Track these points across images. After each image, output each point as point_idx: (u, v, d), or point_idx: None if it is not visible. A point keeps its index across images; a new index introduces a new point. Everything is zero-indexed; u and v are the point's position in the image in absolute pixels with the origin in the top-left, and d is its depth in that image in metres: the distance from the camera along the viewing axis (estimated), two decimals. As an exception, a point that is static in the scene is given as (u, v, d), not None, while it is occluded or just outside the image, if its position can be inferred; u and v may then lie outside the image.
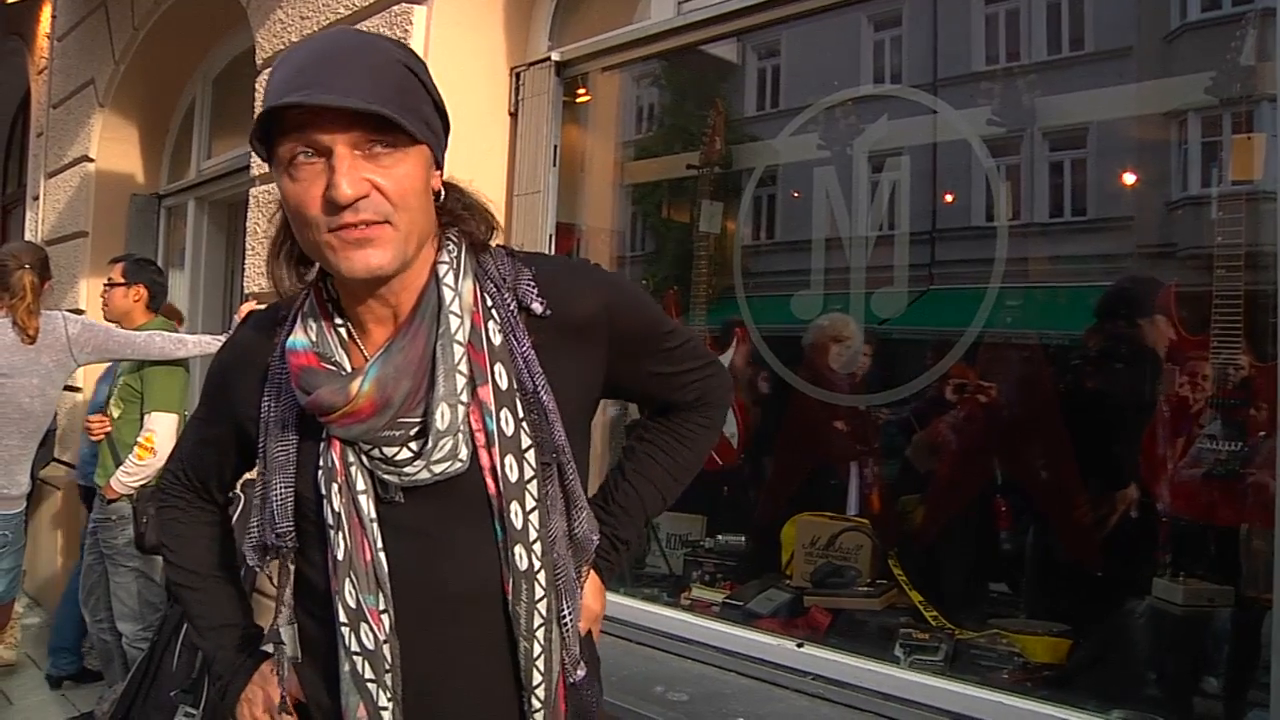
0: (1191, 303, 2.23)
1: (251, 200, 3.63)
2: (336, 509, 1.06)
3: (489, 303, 1.10)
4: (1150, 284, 2.47)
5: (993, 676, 2.17)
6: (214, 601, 1.32)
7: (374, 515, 1.06)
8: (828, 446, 3.02)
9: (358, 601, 1.06)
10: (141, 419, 3.57)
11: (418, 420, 1.05)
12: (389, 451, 1.05)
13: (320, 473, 1.07)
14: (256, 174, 3.61)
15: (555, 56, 2.92)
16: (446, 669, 1.09)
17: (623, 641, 2.54)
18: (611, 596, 2.68)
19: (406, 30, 2.83)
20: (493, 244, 1.15)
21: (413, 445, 1.05)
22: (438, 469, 1.05)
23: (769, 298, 3.18)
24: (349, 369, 1.07)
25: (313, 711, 1.17)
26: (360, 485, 1.06)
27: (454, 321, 1.06)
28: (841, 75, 3.03)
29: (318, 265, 1.10)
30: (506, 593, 1.08)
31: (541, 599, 1.09)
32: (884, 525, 2.80)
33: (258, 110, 1.00)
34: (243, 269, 3.72)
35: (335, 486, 1.06)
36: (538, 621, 1.09)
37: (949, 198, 2.96)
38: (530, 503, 1.08)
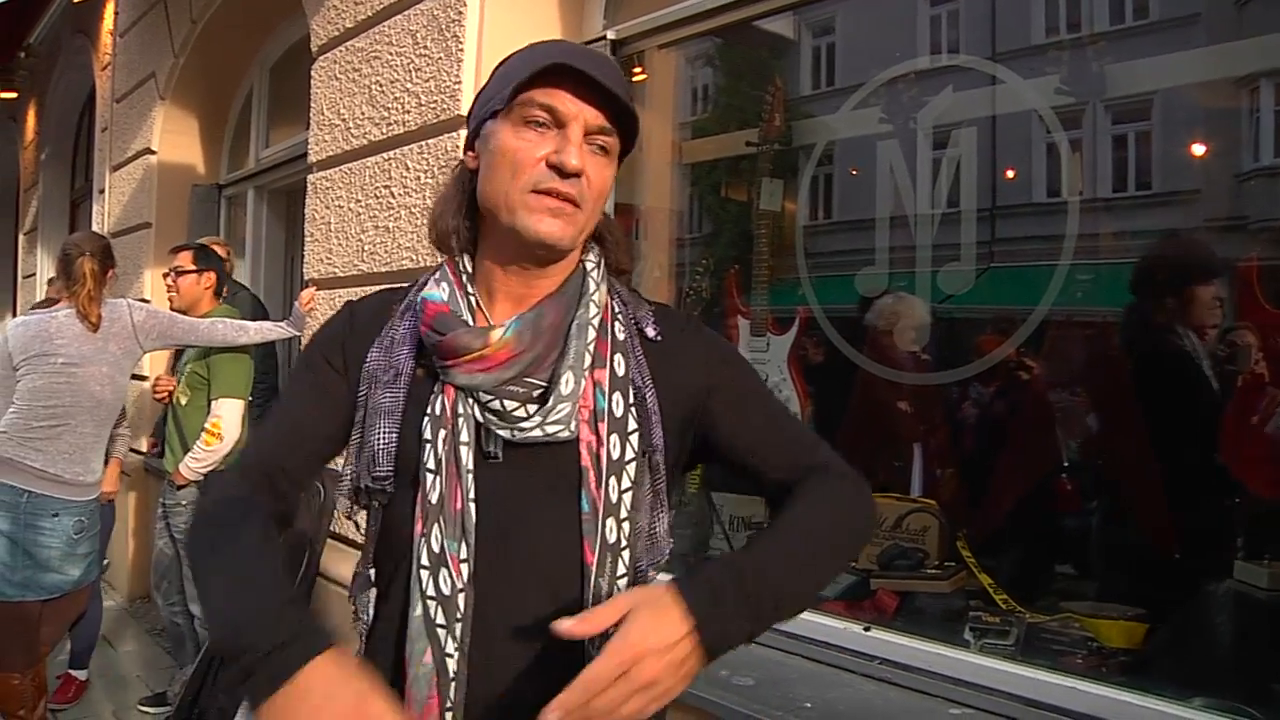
0: (1270, 277, 2.15)
1: (310, 187, 3.66)
2: (440, 454, 1.10)
3: (615, 310, 1.20)
4: (1211, 254, 2.40)
5: (1066, 661, 2.12)
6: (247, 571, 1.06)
7: (471, 466, 1.10)
8: (894, 426, 2.96)
9: (441, 546, 1.09)
10: (208, 406, 3.64)
11: (541, 383, 1.11)
12: (508, 405, 1.09)
13: (426, 419, 1.12)
14: (314, 161, 3.64)
15: (611, 35, 2.90)
16: (513, 628, 1.10)
17: (686, 625, 2.53)
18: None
19: (460, 12, 2.83)
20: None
21: (531, 406, 1.10)
22: (550, 429, 1.09)
23: (832, 277, 3.13)
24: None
25: (375, 656, 1.16)
26: (464, 436, 1.10)
27: (593, 308, 1.15)
28: (898, 51, 2.97)
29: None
30: (589, 564, 1.10)
31: (623, 577, 1.12)
32: (951, 506, 2.75)
33: (521, 66, 1.09)
34: (303, 256, 3.76)
35: (442, 433, 1.10)
36: (600, 594, 1.11)
37: (1010, 173, 2.89)
38: (626, 482, 1.12)
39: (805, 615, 2.38)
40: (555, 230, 1.08)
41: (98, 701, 4.12)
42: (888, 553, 2.64)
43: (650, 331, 1.20)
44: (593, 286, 1.17)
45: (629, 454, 1.13)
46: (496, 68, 1.17)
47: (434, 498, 1.09)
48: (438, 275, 1.19)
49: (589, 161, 1.09)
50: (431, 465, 1.10)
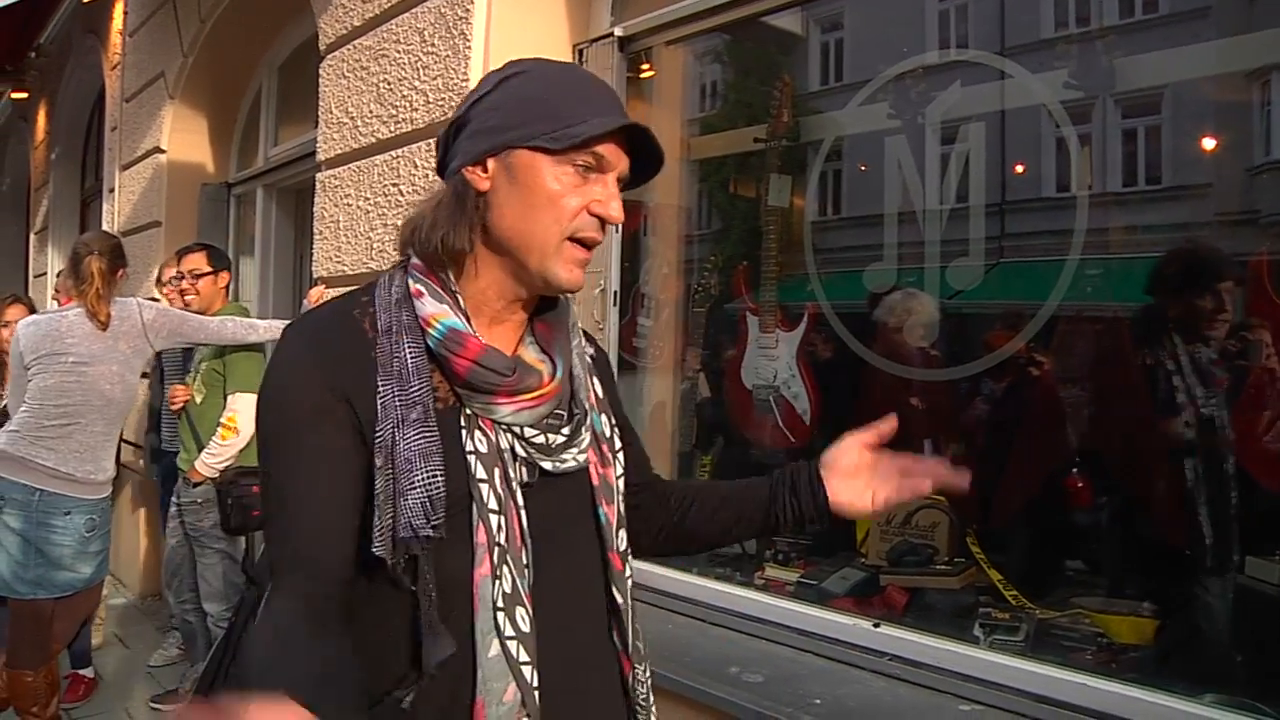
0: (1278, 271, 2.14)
1: (319, 185, 3.67)
2: (499, 491, 1.08)
3: None
4: (1219, 253, 2.39)
5: (1076, 657, 2.12)
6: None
7: (521, 501, 1.10)
8: (903, 422, 2.95)
9: (514, 585, 1.07)
10: (224, 403, 3.66)
11: (562, 413, 1.15)
12: (550, 439, 1.12)
13: (473, 457, 1.07)
14: (323, 159, 3.65)
15: (618, 32, 2.89)
16: (570, 650, 1.14)
17: (696, 622, 2.54)
18: (685, 576, 2.69)
19: (468, 10, 2.83)
20: None
21: (559, 436, 1.14)
22: (581, 459, 1.16)
23: (840, 273, 3.13)
24: None
25: (417, 705, 1.07)
26: (512, 471, 1.10)
27: (582, 337, 1.24)
28: (906, 46, 2.96)
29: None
30: (617, 570, 1.19)
31: (629, 577, 1.21)
32: (961, 502, 2.73)
33: (580, 122, 1.07)
34: (312, 254, 3.77)
35: (496, 471, 1.08)
36: (629, 598, 1.21)
37: (1019, 168, 2.88)
38: (619, 495, 1.22)
39: (815, 611, 2.40)
40: (580, 281, 1.12)
41: (110, 699, 4.14)
42: (897, 549, 2.64)
43: (591, 350, 1.28)
44: (575, 313, 1.24)
45: (618, 469, 1.23)
46: (506, 80, 1.11)
47: (502, 538, 1.06)
48: (427, 293, 1.10)
49: None
50: (494, 505, 1.06)
